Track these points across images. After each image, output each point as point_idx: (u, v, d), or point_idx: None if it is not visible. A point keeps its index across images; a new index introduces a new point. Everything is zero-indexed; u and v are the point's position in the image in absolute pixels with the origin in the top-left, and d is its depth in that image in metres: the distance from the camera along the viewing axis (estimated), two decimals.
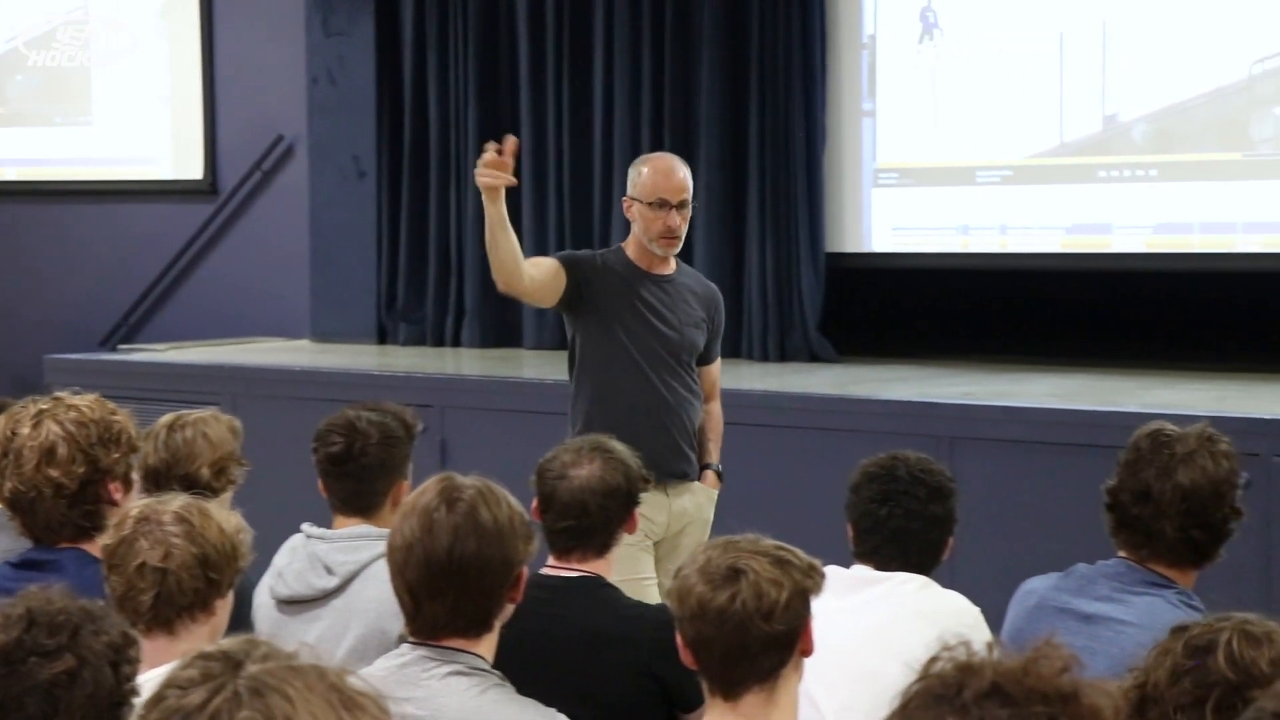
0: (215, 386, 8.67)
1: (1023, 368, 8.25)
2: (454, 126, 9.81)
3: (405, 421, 4.66)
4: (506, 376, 8.48)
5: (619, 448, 4.39)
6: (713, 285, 6.25)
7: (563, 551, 4.24)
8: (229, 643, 1.93)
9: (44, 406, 4.10)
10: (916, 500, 4.24)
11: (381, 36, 10.04)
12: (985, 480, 6.64)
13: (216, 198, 10.91)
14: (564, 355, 9.32)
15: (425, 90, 9.91)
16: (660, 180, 5.92)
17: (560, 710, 3.50)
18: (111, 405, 4.18)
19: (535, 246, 9.52)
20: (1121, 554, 3.99)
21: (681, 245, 6.02)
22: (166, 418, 4.69)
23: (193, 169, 11.02)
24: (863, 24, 8.91)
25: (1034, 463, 6.80)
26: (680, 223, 5.93)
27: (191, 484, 4.42)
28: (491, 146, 5.58)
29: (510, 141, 5.64)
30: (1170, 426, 4.01)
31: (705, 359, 6.11)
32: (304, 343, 10.25)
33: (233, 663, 1.88)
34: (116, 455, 4.08)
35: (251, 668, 1.87)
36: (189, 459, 4.57)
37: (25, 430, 4.05)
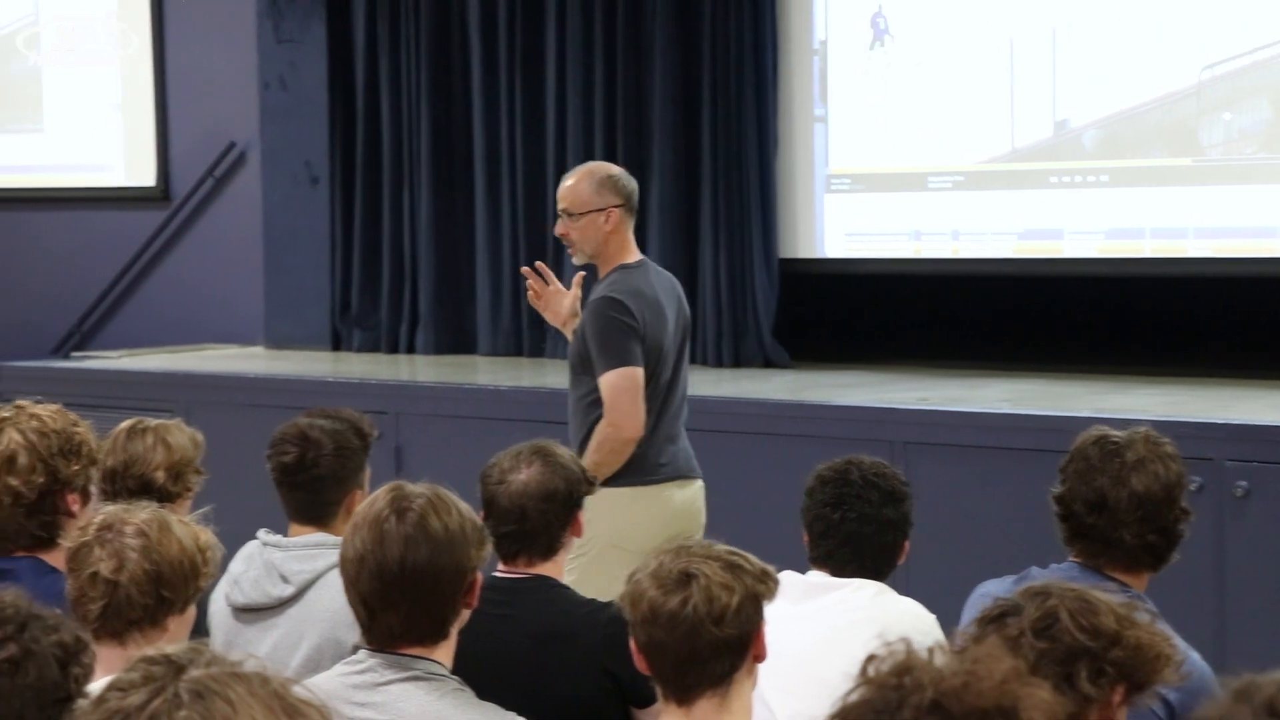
0: (169, 393, 8.65)
1: (976, 373, 8.28)
2: (406, 131, 9.80)
3: (361, 430, 4.61)
4: (461, 383, 8.47)
5: (561, 451, 4.32)
6: (603, 289, 5.85)
7: (508, 556, 4.20)
8: (174, 648, 1.94)
9: (5, 415, 4.07)
10: (870, 504, 4.24)
11: (333, 42, 10.02)
12: (940, 485, 6.66)
13: (169, 204, 10.88)
14: (516, 361, 9.41)
15: (378, 95, 9.90)
16: None
17: (517, 711, 3.49)
18: (74, 416, 4.16)
19: (490, 252, 9.53)
20: (1075, 558, 4.00)
21: (583, 255, 5.87)
22: (128, 422, 4.68)
23: (145, 176, 10.99)
24: (814, 30, 8.93)
25: (988, 467, 6.82)
26: (562, 230, 5.86)
27: (147, 487, 4.41)
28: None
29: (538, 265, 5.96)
30: (1112, 432, 4.02)
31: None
32: (258, 349, 10.23)
33: (175, 667, 1.89)
34: (76, 467, 4.06)
35: (194, 672, 1.88)
36: (145, 462, 4.55)
37: None
